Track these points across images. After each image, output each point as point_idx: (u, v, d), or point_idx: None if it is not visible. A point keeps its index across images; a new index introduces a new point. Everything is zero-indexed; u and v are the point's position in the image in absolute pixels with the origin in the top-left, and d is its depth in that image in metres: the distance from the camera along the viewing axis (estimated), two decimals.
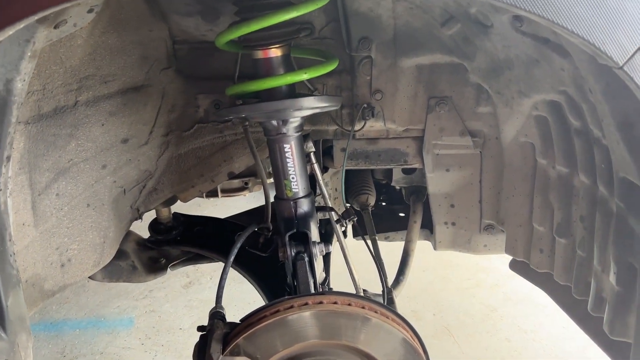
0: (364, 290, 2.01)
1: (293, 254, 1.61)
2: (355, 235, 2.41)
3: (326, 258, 2.14)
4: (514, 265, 2.10)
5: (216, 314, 1.53)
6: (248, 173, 2.39)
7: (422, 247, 2.30)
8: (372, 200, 2.39)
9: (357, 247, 2.12)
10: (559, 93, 1.45)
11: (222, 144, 2.04)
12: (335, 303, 1.43)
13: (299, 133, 1.63)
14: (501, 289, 3.67)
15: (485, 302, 3.57)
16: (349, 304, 1.44)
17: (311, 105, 1.53)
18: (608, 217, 1.38)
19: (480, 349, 3.11)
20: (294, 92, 1.63)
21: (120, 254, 2.15)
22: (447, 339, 3.20)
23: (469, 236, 2.14)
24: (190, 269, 3.83)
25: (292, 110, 1.53)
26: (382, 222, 2.56)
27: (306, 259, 1.60)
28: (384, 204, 2.70)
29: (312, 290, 1.58)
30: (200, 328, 1.53)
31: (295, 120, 1.60)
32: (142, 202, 2.04)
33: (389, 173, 2.39)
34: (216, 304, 1.61)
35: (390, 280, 2.20)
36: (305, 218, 1.67)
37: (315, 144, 2.08)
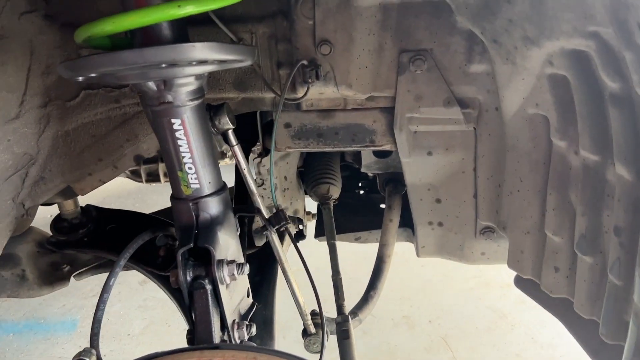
0: (312, 313, 1.51)
1: (189, 279, 1.16)
2: (317, 235, 1.91)
3: (271, 270, 1.67)
4: (521, 283, 1.59)
5: None
6: None
7: None
8: (335, 192, 1.87)
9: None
10: (586, 37, 1.02)
11: (121, 117, 1.55)
12: None
13: (197, 102, 1.12)
14: (513, 289, 3.12)
15: (493, 306, 3.14)
16: None
17: (197, 55, 0.98)
18: None
19: None
20: (186, 38, 1.10)
21: (7, 261, 1.73)
22: (444, 353, 2.75)
23: (461, 241, 1.69)
24: None
25: (170, 67, 0.99)
26: (358, 216, 2.06)
27: (208, 287, 1.16)
28: (361, 192, 2.19)
29: (215, 335, 1.16)
30: None
31: (186, 83, 1.08)
32: (27, 195, 1.58)
33: (360, 155, 1.87)
34: (90, 343, 1.21)
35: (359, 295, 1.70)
36: (211, 227, 1.19)
37: (246, 117, 1.56)
